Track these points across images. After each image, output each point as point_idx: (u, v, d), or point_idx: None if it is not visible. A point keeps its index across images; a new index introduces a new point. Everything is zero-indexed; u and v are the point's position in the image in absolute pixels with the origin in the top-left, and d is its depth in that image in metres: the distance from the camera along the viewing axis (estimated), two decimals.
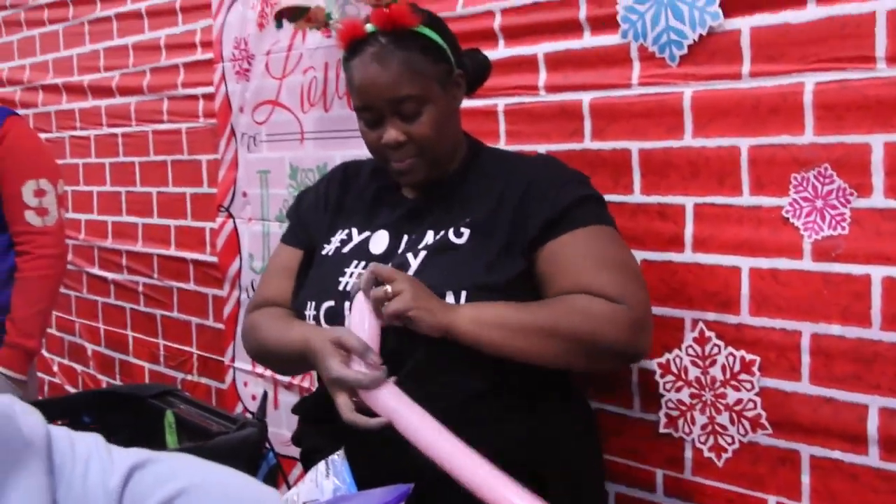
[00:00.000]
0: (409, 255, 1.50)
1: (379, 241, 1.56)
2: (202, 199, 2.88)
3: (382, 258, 1.53)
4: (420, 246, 1.51)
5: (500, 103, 1.90)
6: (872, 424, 1.43)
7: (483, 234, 1.49)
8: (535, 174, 1.54)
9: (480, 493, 1.24)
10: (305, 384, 2.45)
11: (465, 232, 1.50)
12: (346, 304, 1.49)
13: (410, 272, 1.47)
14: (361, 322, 1.39)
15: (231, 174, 2.70)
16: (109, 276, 3.38)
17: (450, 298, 1.42)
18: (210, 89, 2.75)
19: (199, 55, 2.80)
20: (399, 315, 1.36)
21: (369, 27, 1.51)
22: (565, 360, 1.45)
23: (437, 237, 1.51)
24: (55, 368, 3.79)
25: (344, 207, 1.66)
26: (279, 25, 1.91)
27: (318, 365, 1.42)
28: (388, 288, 1.36)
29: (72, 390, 3.69)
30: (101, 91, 3.31)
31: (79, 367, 3.65)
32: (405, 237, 1.55)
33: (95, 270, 3.45)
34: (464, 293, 1.43)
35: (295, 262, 1.68)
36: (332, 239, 1.62)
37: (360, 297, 1.40)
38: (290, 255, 1.69)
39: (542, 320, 1.40)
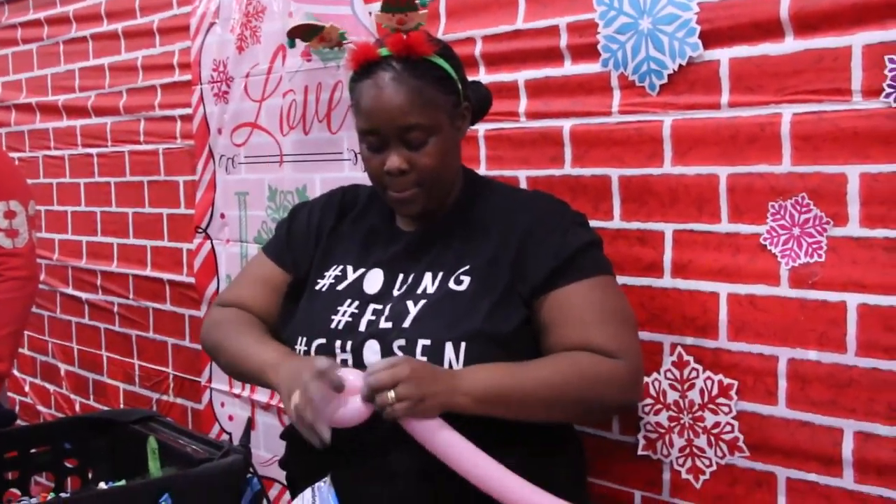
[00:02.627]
0: (409, 303, 1.49)
1: (373, 281, 1.56)
2: (179, 220, 2.88)
3: (376, 298, 1.53)
4: (419, 292, 1.50)
5: (481, 129, 1.92)
6: (847, 448, 1.46)
7: (484, 282, 1.48)
8: (534, 217, 1.53)
9: None
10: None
11: (466, 280, 1.49)
12: (338, 341, 1.49)
13: (409, 319, 1.46)
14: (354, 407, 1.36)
15: (209, 195, 2.70)
16: (84, 296, 3.36)
17: (449, 349, 1.42)
18: (188, 111, 2.75)
19: (177, 77, 2.81)
20: (404, 418, 1.34)
21: (383, 51, 1.50)
22: (566, 419, 1.48)
23: (437, 284, 1.50)
24: (27, 388, 3.75)
25: (338, 239, 1.65)
26: (292, 45, 1.90)
27: (290, 385, 1.39)
28: (391, 394, 1.31)
29: (44, 410, 3.65)
30: (77, 111, 3.30)
31: (51, 388, 3.62)
32: (400, 276, 1.54)
33: (69, 290, 3.43)
34: (463, 344, 1.42)
35: (273, 277, 1.68)
36: (326, 274, 1.61)
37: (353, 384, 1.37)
38: (271, 269, 1.70)
39: (545, 390, 1.40)
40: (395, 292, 1.53)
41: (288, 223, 1.74)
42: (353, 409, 1.34)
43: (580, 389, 1.42)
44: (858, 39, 1.40)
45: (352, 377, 1.36)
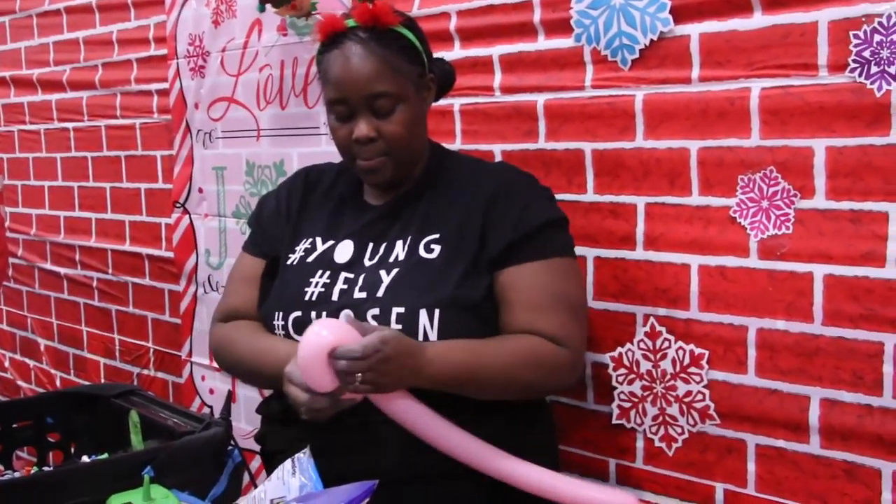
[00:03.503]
0: (382, 272, 1.51)
1: (343, 251, 1.58)
2: (157, 195, 2.88)
3: (346, 267, 1.55)
4: (391, 261, 1.53)
5: (456, 103, 1.94)
6: (814, 414, 1.50)
7: (454, 249, 1.51)
8: (500, 186, 1.56)
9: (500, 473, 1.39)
10: None
11: (436, 248, 1.52)
12: (313, 313, 1.51)
13: (382, 288, 1.49)
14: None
15: (186, 170, 2.70)
16: (62, 270, 3.36)
17: (423, 317, 1.44)
18: (164, 85, 2.75)
19: (153, 51, 2.80)
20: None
21: (350, 22, 1.52)
22: (512, 398, 1.53)
23: (408, 253, 1.52)
24: (7, 364, 3.75)
25: (306, 215, 1.67)
26: (261, 9, 1.89)
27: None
28: (358, 376, 1.32)
29: (24, 385, 3.66)
30: (52, 85, 3.28)
31: (31, 363, 3.62)
32: (370, 245, 1.57)
33: (48, 265, 3.43)
34: (437, 311, 1.45)
35: (257, 272, 1.69)
36: (297, 248, 1.63)
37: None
38: (253, 264, 1.70)
39: (497, 375, 1.46)
40: (367, 262, 1.55)
41: (257, 214, 1.76)
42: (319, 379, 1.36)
43: (531, 376, 1.49)
44: (824, 15, 1.42)
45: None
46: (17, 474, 1.66)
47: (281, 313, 1.55)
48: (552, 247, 1.54)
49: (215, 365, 2.64)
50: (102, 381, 3.20)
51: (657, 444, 1.70)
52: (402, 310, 1.46)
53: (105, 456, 1.62)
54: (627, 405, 1.74)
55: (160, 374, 2.98)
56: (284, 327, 1.54)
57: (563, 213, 1.60)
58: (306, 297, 1.54)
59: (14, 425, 1.77)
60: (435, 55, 1.71)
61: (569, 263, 1.57)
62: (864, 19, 1.38)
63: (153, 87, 2.83)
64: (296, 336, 1.52)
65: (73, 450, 1.81)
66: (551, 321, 1.49)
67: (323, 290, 1.53)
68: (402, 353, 1.35)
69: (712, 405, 1.62)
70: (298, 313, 1.53)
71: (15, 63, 3.48)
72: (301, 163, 2.27)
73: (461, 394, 1.44)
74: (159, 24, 2.75)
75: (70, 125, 3.23)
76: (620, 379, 1.74)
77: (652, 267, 1.68)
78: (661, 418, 1.69)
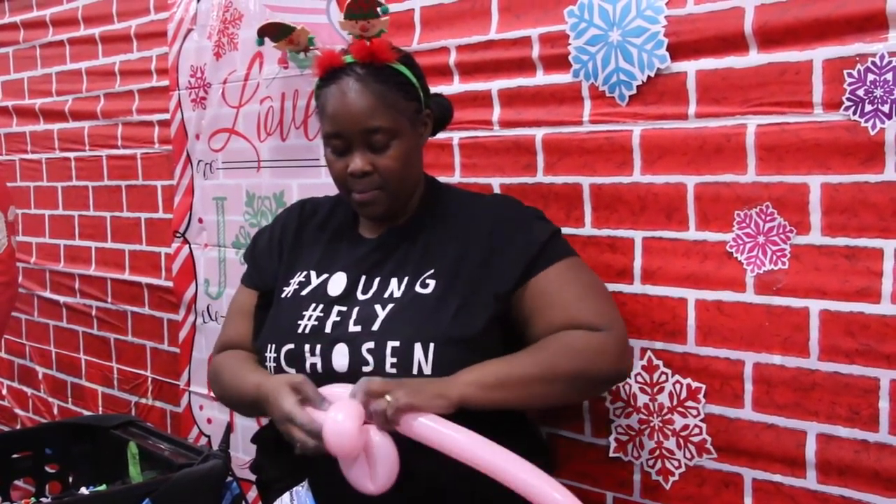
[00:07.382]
0: (377, 307, 1.52)
1: (336, 284, 1.59)
2: (157, 225, 2.89)
3: (339, 299, 1.56)
4: (385, 296, 1.54)
5: (456, 137, 1.95)
6: (810, 449, 1.51)
7: (449, 284, 1.52)
8: (496, 216, 1.59)
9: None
10: None
11: (431, 283, 1.53)
12: (306, 346, 1.52)
13: (377, 323, 1.49)
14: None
15: (187, 200, 2.71)
16: (62, 299, 3.36)
17: (418, 350, 1.45)
18: (165, 116, 2.77)
19: (155, 82, 2.82)
20: (406, 409, 1.34)
21: (347, 58, 1.55)
22: (565, 398, 1.51)
23: (403, 288, 1.54)
24: (4, 392, 3.75)
25: (301, 248, 1.69)
26: (260, 42, 1.92)
27: (271, 406, 1.44)
28: (388, 397, 1.33)
29: (21, 413, 3.66)
30: (54, 115, 3.31)
31: (29, 391, 3.62)
32: (363, 278, 1.58)
33: (47, 294, 3.43)
34: (432, 345, 1.45)
35: (252, 304, 1.72)
36: (291, 281, 1.64)
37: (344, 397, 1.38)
38: (247, 296, 1.74)
39: (540, 369, 1.45)
40: (360, 295, 1.56)
41: (252, 248, 1.78)
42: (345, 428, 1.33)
43: (574, 363, 1.47)
44: (819, 54, 1.44)
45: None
46: None
47: (274, 345, 1.56)
48: (563, 250, 1.58)
49: (213, 395, 2.65)
50: (100, 409, 3.20)
51: (654, 477, 1.70)
52: (396, 343, 1.47)
53: (104, 487, 1.62)
54: (625, 438, 1.74)
55: (158, 403, 2.97)
56: (276, 359, 1.55)
57: (556, 226, 1.64)
58: (299, 330, 1.55)
59: (13, 455, 1.77)
60: (434, 89, 1.73)
61: (579, 260, 1.61)
62: (857, 59, 1.40)
63: (154, 117, 2.85)
64: (287, 368, 1.54)
65: (71, 481, 1.81)
66: (586, 310, 1.52)
67: (316, 322, 1.54)
68: (423, 381, 1.38)
69: (709, 439, 1.63)
70: (291, 346, 1.54)
71: (18, 93, 3.50)
72: (301, 194, 2.28)
73: (504, 406, 1.43)
74: (161, 55, 2.78)
75: (71, 154, 3.25)
76: (618, 412, 1.74)
77: (649, 300, 1.69)
78: (658, 452, 1.70)
